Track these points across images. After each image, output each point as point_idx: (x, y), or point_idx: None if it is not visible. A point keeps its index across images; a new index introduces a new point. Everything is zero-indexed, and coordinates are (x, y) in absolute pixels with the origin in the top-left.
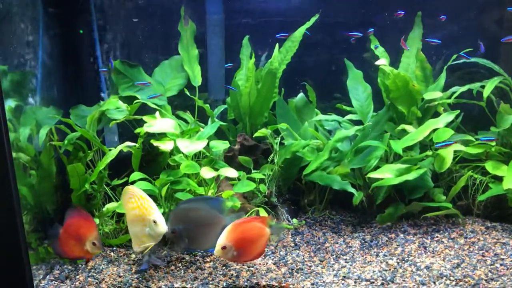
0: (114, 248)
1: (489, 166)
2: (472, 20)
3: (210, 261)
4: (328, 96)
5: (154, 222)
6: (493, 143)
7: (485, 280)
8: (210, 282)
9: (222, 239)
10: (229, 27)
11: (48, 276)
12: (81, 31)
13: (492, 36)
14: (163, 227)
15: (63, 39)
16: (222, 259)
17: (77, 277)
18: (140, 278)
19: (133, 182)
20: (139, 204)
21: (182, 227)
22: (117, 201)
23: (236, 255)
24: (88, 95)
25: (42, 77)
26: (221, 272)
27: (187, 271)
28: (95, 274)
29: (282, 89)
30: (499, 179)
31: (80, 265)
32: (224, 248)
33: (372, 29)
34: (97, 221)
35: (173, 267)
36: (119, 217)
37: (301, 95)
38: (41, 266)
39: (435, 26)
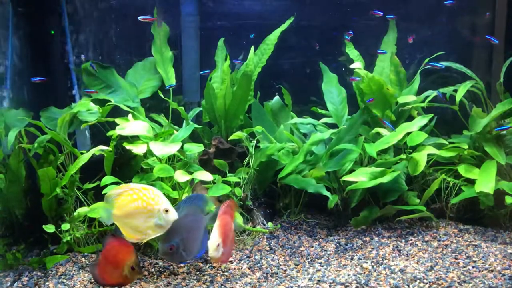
0: (86, 254)
1: (461, 169)
2: (445, 24)
3: (184, 266)
4: (303, 99)
5: (166, 210)
6: (466, 147)
7: (458, 283)
8: None
9: (216, 237)
10: (204, 29)
11: (16, 284)
12: (52, 32)
13: (464, 41)
14: (174, 213)
15: (34, 39)
16: (210, 259)
17: (47, 283)
18: None
19: (105, 186)
20: (141, 195)
21: (178, 240)
22: (89, 205)
23: (222, 252)
24: (59, 97)
25: (12, 78)
26: (195, 277)
27: (160, 277)
28: (65, 281)
29: (258, 92)
30: (471, 182)
31: (49, 272)
32: (218, 245)
33: (351, 32)
34: (67, 226)
35: (146, 273)
36: (91, 221)
37: (276, 98)
38: (9, 273)
39: (409, 30)
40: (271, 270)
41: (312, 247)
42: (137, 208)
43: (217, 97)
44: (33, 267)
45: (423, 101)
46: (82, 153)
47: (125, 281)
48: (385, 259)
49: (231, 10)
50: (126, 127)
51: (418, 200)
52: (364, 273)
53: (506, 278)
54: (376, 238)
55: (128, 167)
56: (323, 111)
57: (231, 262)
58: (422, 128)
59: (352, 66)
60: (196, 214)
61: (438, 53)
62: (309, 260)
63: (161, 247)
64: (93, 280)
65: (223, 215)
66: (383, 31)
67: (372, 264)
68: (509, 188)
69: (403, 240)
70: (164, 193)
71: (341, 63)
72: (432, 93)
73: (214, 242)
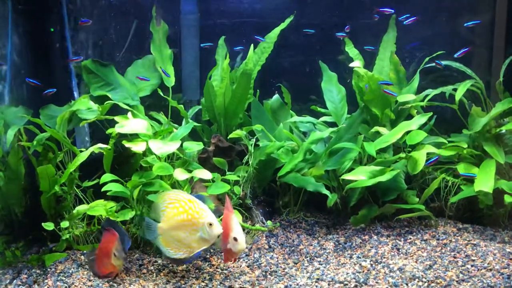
0: (85, 252)
1: (461, 168)
2: (445, 24)
3: (183, 263)
4: (303, 98)
5: (210, 224)
6: (465, 146)
7: (456, 281)
8: (183, 286)
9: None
10: (204, 27)
11: (15, 281)
12: (51, 29)
13: (464, 40)
14: (219, 228)
15: (33, 37)
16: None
17: (46, 281)
18: (111, 282)
19: (104, 184)
20: (187, 208)
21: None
22: (88, 203)
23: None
24: (59, 94)
25: (11, 76)
26: (194, 275)
27: (159, 275)
28: (64, 278)
29: (257, 90)
30: (470, 181)
31: (48, 269)
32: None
33: (348, 26)
34: (66, 224)
35: (145, 271)
36: (90, 219)
37: (276, 96)
38: (8, 271)
39: (409, 30)
40: (270, 268)
41: (311, 245)
42: (183, 221)
43: (217, 95)
44: (32, 264)
45: (422, 100)
46: (81, 151)
47: (114, 269)
48: (384, 257)
49: (231, 8)
50: (126, 125)
51: (417, 199)
52: (363, 271)
53: (504, 277)
54: (375, 237)
55: (127, 165)
56: (323, 110)
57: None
58: (421, 127)
59: (351, 64)
60: None
61: (438, 52)
62: (308, 258)
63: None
64: (92, 278)
65: (231, 210)
66: (383, 30)
67: (371, 262)
68: (508, 187)
69: (402, 239)
70: (163, 191)
71: (340, 62)
72: (431, 92)
73: (243, 236)
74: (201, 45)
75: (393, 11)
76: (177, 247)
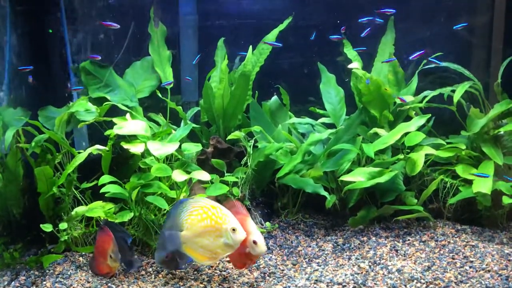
0: (83, 253)
1: (459, 169)
2: (443, 25)
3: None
4: (301, 99)
5: (234, 230)
6: (463, 147)
7: (455, 283)
8: (182, 287)
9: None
10: (202, 29)
11: (13, 283)
12: (50, 31)
13: (463, 41)
14: (243, 233)
15: (32, 38)
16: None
17: (44, 283)
18: (109, 284)
19: (102, 185)
20: (210, 214)
21: (173, 247)
22: (87, 204)
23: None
24: (58, 96)
25: (10, 77)
26: (192, 277)
27: (158, 276)
28: (63, 280)
29: (256, 91)
30: (469, 183)
31: (47, 271)
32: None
33: (344, 27)
34: (65, 225)
35: (143, 272)
36: (88, 221)
37: (275, 98)
38: (6, 272)
39: (407, 31)
40: (269, 269)
41: (310, 247)
42: (206, 227)
43: (215, 97)
44: (30, 266)
45: (421, 101)
46: (79, 153)
47: (111, 270)
48: (383, 259)
49: (230, 10)
50: (124, 126)
51: (415, 200)
52: (362, 273)
53: (503, 278)
54: (374, 238)
55: (125, 166)
56: (321, 111)
57: (229, 261)
58: (420, 128)
59: (350, 66)
60: None
61: (437, 54)
62: (306, 260)
63: (157, 256)
64: (90, 279)
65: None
66: (381, 32)
67: (370, 264)
68: (506, 189)
69: (400, 240)
70: (161, 193)
71: (339, 63)
72: (430, 94)
73: (263, 238)
74: (194, 60)
75: (394, 11)
76: (202, 254)
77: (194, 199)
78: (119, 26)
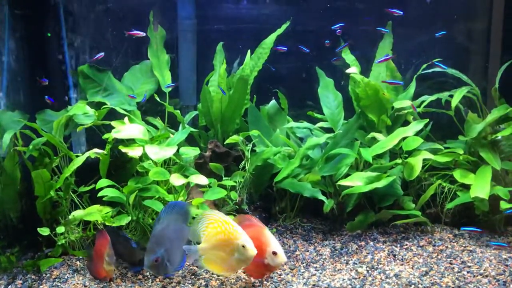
0: (80, 257)
1: (457, 174)
2: (441, 30)
3: (179, 270)
4: (300, 104)
5: (243, 246)
6: (461, 152)
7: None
8: None
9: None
10: (201, 33)
11: (10, 286)
12: (48, 34)
13: (460, 46)
14: (253, 250)
15: (30, 42)
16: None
17: (41, 287)
18: None
19: (100, 189)
20: (224, 228)
21: (163, 251)
22: (84, 208)
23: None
24: (55, 99)
25: (8, 81)
26: (189, 281)
27: (155, 281)
28: (59, 284)
29: (254, 96)
30: (466, 188)
31: (44, 275)
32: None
33: (340, 24)
34: (62, 229)
35: (140, 276)
36: (86, 224)
37: (273, 102)
38: (3, 276)
39: (405, 36)
40: None
41: (308, 251)
42: (221, 240)
43: (214, 101)
44: (27, 270)
45: (418, 106)
46: (77, 156)
47: (108, 274)
48: (380, 263)
49: (228, 14)
50: (122, 130)
51: (413, 205)
52: (359, 277)
53: (500, 283)
54: (371, 243)
55: (123, 170)
56: (319, 116)
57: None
58: (417, 133)
59: (348, 70)
60: (177, 223)
61: (435, 60)
62: (304, 264)
63: (146, 260)
64: (87, 283)
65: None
66: (379, 36)
67: (367, 268)
68: (504, 194)
69: (398, 245)
70: (159, 197)
71: (337, 68)
72: (428, 98)
73: (282, 249)
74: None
75: (401, 13)
76: (220, 266)
77: (211, 212)
78: (144, 34)
